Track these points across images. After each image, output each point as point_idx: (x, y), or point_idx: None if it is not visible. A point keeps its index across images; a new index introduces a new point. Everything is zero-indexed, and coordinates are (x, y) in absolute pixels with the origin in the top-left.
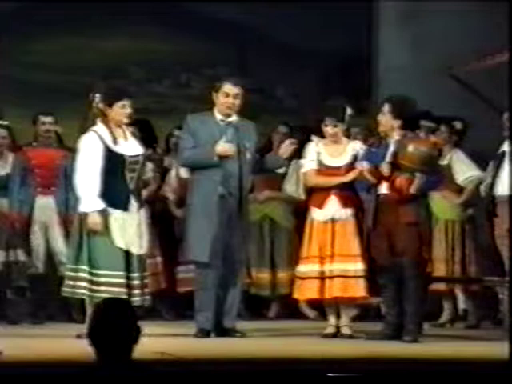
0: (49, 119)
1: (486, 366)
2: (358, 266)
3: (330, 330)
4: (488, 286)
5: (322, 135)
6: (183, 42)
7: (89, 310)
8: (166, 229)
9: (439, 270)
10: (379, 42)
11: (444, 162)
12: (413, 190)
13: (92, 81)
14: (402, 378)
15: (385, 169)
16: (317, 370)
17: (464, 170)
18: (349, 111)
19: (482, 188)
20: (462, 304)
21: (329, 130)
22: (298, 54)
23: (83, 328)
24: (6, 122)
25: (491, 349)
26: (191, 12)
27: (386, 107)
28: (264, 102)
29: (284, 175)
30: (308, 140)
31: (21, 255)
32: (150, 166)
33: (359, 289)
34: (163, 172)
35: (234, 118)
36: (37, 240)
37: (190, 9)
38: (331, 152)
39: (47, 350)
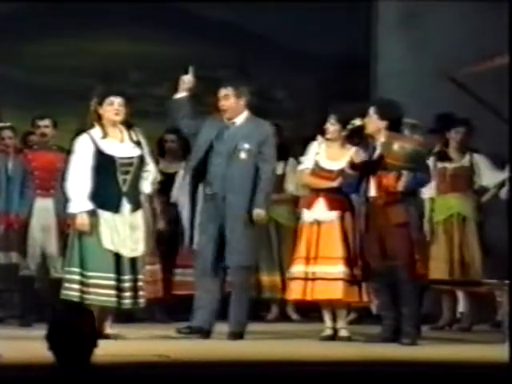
0: (44, 122)
1: (486, 368)
2: (339, 269)
3: (328, 332)
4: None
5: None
6: (183, 45)
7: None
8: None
9: (475, 272)
10: (378, 45)
11: (466, 163)
12: (400, 187)
13: (92, 83)
14: (400, 381)
15: (355, 155)
16: (315, 373)
17: (495, 173)
18: (358, 122)
19: (504, 190)
20: (461, 307)
21: (327, 126)
22: (298, 56)
23: None
24: (8, 124)
25: (490, 352)
26: (191, 15)
27: (372, 110)
28: (263, 104)
29: (283, 176)
30: (312, 139)
31: (15, 258)
32: None
33: (337, 292)
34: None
35: (238, 119)
36: (33, 242)
37: (190, 11)
38: (330, 155)
39: (35, 352)
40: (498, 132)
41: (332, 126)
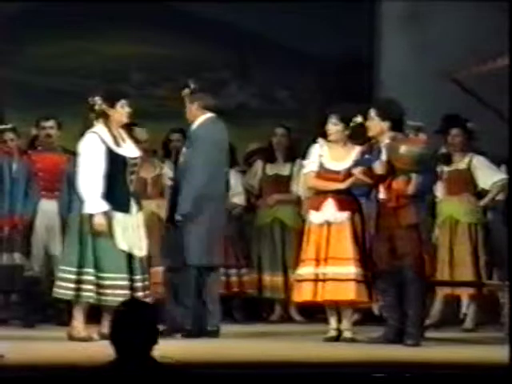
0: (49, 123)
1: (488, 369)
2: (350, 270)
3: (332, 333)
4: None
5: (326, 139)
6: (184, 46)
7: (76, 312)
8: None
9: (462, 274)
10: (381, 46)
11: (462, 166)
12: (410, 190)
13: (93, 84)
14: (404, 382)
15: (378, 167)
16: (319, 374)
17: (490, 174)
18: (359, 119)
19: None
20: (464, 308)
21: (330, 127)
22: (300, 57)
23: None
24: (10, 125)
25: (492, 353)
26: (192, 15)
27: (372, 112)
28: (265, 105)
29: (290, 177)
30: (313, 141)
31: (18, 259)
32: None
33: (350, 292)
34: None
35: (194, 124)
36: (37, 243)
37: (191, 12)
38: (334, 155)
39: (39, 353)
40: (500, 132)
41: (335, 127)
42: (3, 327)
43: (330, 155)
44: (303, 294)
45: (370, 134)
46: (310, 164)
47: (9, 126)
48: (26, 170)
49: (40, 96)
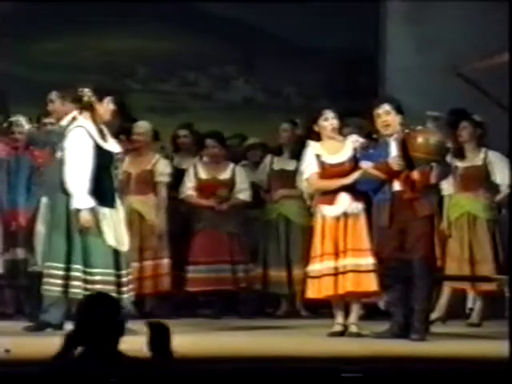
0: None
1: (490, 364)
2: (369, 261)
3: (338, 328)
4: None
5: (316, 139)
6: (190, 41)
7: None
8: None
9: (484, 270)
10: (386, 42)
11: (478, 162)
12: (434, 179)
13: (98, 80)
14: (409, 377)
15: (395, 162)
16: (324, 369)
17: (505, 171)
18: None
19: None
20: (470, 303)
21: (330, 122)
22: (305, 52)
23: None
24: (21, 118)
25: (495, 347)
26: (198, 11)
27: (389, 106)
28: (270, 100)
29: (296, 172)
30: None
31: (22, 253)
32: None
33: (371, 283)
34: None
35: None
36: (40, 238)
37: (197, 7)
38: (330, 150)
39: (45, 348)
40: (506, 127)
41: (334, 121)
42: (9, 321)
43: (327, 151)
44: (323, 289)
45: (389, 130)
46: (310, 167)
47: (19, 119)
48: (29, 165)
49: (44, 91)
